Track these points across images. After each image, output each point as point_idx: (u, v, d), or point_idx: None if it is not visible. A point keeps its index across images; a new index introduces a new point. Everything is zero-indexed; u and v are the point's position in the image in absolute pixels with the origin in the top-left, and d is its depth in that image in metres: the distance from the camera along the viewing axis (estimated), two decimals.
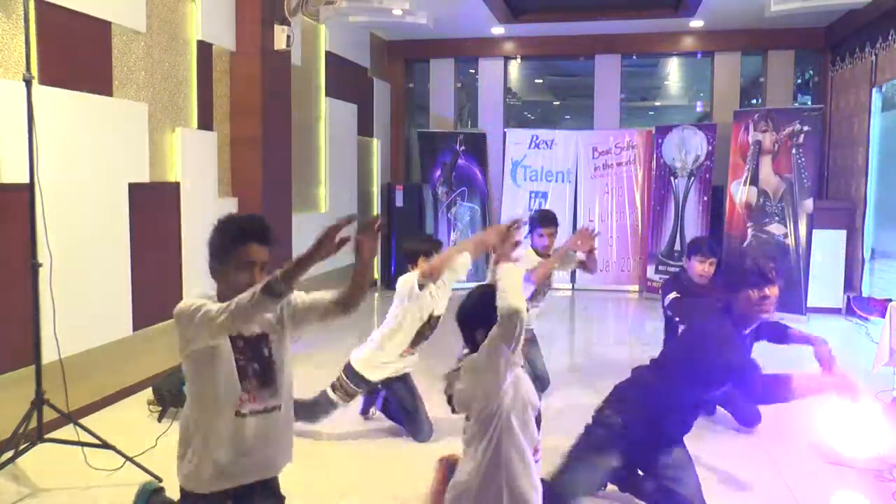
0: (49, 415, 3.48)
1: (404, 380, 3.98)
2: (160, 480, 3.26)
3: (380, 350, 3.86)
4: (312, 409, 3.84)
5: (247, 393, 2.22)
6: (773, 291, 2.88)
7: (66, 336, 3.63)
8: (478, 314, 2.18)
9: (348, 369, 3.86)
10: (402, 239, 8.73)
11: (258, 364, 2.25)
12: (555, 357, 5.77)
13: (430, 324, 3.86)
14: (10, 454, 3.29)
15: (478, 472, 2.10)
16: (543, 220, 4.72)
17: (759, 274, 2.89)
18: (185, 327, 2.13)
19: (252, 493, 2.32)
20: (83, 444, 3.38)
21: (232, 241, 2.18)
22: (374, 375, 3.86)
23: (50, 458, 3.42)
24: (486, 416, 2.11)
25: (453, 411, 2.23)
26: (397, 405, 3.98)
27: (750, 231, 7.55)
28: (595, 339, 6.97)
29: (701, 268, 4.31)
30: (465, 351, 2.32)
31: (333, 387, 3.86)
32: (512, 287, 2.08)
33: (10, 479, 3.30)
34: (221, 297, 2.18)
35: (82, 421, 3.58)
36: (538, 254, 4.69)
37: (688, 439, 2.99)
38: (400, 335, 3.84)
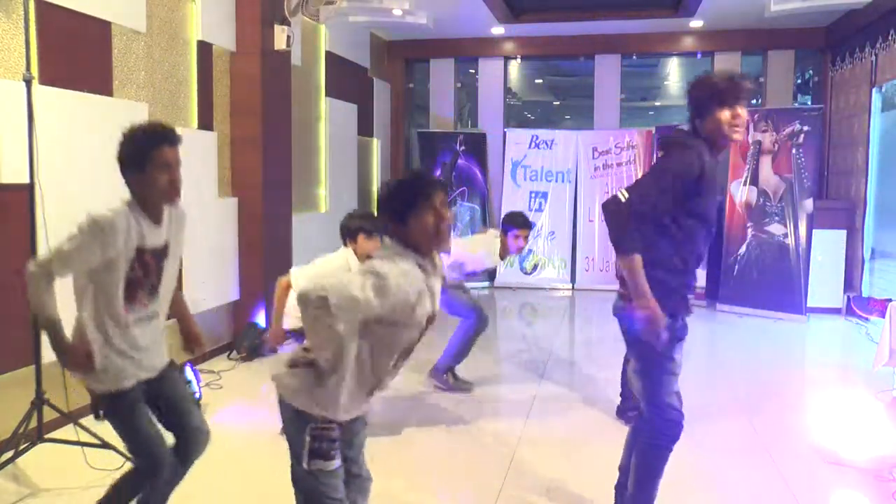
0: (49, 415, 3.48)
1: None
2: None
3: None
4: None
5: (137, 302, 2.46)
6: (744, 111, 2.57)
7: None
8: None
9: None
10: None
11: (155, 275, 2.48)
12: (555, 356, 5.77)
13: None
14: (10, 454, 3.29)
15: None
16: (521, 222, 4.70)
17: (733, 89, 2.53)
18: None
19: (152, 384, 2.56)
20: (83, 444, 3.38)
21: (147, 148, 2.38)
22: None
23: (50, 458, 3.42)
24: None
25: None
26: None
27: (750, 231, 7.55)
28: (595, 339, 6.97)
29: None
30: None
31: None
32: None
33: (10, 479, 3.30)
34: (141, 202, 2.43)
35: (82, 421, 3.58)
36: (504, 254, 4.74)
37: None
38: None
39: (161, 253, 2.48)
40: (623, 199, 2.46)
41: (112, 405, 2.48)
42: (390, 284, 1.92)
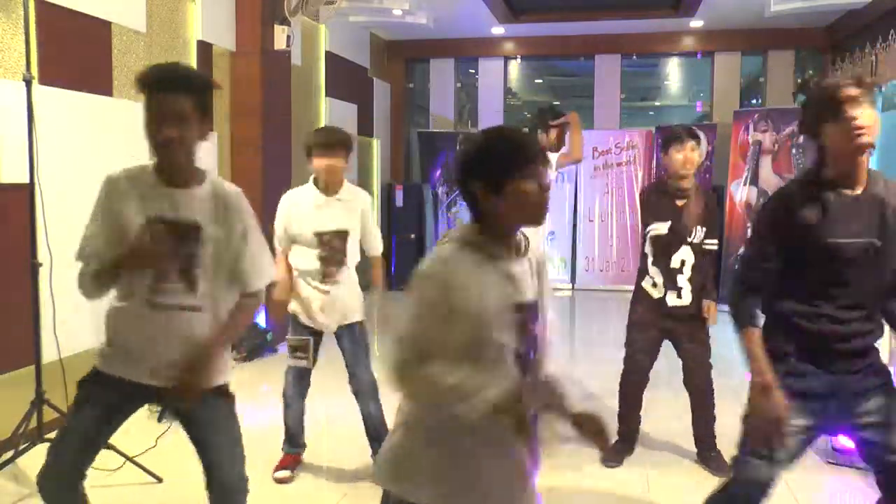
0: (49, 415, 3.48)
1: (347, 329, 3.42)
2: (160, 480, 3.27)
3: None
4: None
5: (168, 282, 2.09)
6: None
7: (66, 336, 3.63)
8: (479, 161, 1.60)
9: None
10: (401, 240, 8.75)
11: (184, 260, 2.11)
12: (554, 356, 5.76)
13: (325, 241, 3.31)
14: (10, 454, 3.30)
15: None
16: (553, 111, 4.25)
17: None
18: None
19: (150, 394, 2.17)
20: None
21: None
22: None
23: None
24: None
25: None
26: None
27: (750, 231, 7.56)
28: (595, 339, 6.97)
29: (680, 157, 3.45)
30: None
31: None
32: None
33: (10, 479, 3.30)
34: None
35: None
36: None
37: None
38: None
39: (185, 231, 2.10)
40: None
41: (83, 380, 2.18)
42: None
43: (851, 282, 2.08)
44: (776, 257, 2.13)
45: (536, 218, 1.60)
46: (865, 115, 1.98)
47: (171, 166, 2.16)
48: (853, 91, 1.99)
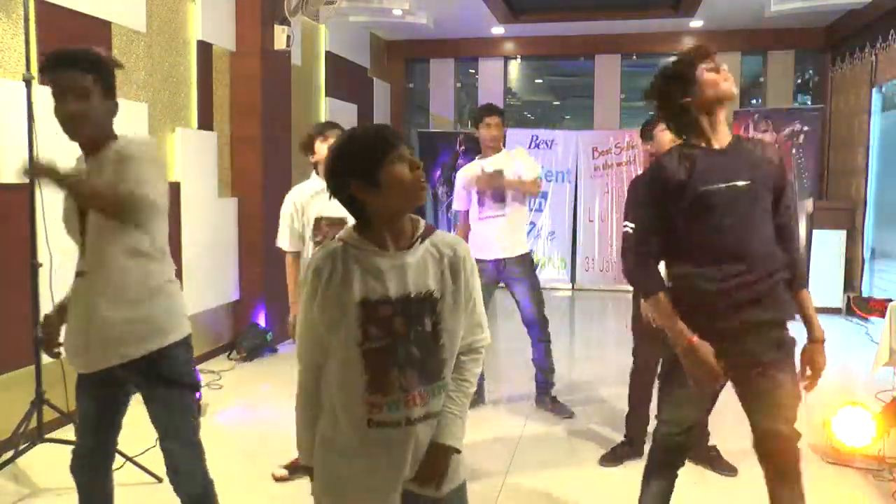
0: (49, 415, 3.48)
1: None
2: (160, 480, 3.27)
3: None
4: None
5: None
6: None
7: None
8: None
9: None
10: None
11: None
12: (555, 356, 5.76)
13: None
14: (10, 454, 3.30)
15: None
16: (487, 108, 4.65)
17: None
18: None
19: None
20: None
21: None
22: None
23: (50, 458, 3.42)
24: None
25: None
26: None
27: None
28: (595, 340, 6.97)
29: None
30: None
31: None
32: None
33: (10, 479, 3.31)
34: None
35: None
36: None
37: None
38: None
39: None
40: None
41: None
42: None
43: (731, 232, 2.13)
44: (663, 224, 2.20)
45: (415, 198, 1.62)
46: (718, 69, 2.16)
47: (78, 140, 2.36)
48: (702, 50, 2.18)
